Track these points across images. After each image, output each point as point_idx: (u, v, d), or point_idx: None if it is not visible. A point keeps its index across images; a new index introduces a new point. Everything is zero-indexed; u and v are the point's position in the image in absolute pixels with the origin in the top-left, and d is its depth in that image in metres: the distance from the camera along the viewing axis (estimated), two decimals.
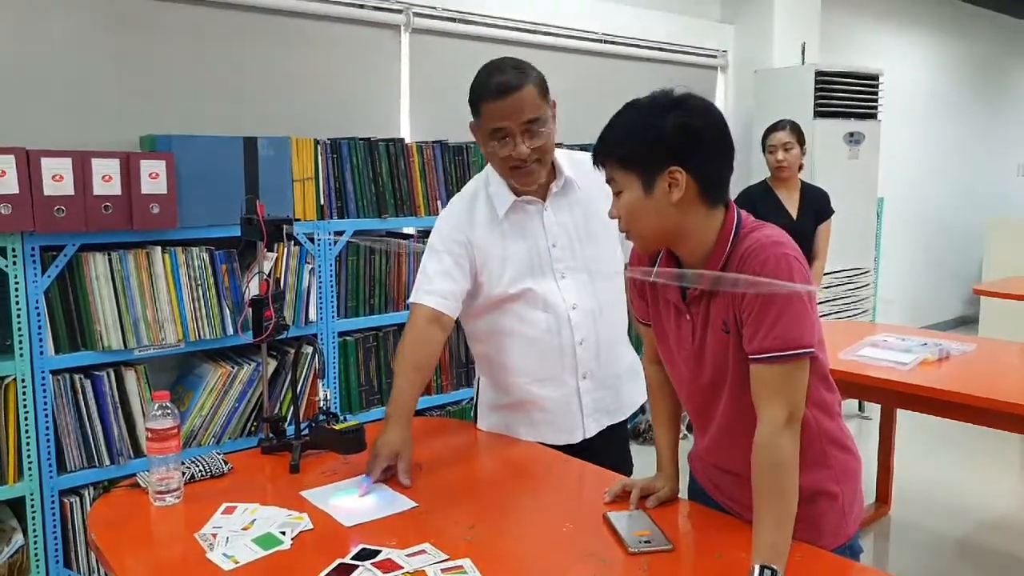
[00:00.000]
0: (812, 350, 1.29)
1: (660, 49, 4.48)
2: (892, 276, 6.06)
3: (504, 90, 1.67)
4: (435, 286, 1.77)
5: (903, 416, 3.40)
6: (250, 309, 1.73)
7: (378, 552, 1.33)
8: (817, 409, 1.38)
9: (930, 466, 3.94)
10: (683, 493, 1.59)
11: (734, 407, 1.38)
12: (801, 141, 3.65)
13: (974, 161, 7.36)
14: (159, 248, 2.55)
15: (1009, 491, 3.73)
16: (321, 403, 1.75)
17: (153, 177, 2.43)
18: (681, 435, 1.61)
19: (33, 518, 2.42)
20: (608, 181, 1.38)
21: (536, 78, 1.71)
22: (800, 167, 3.70)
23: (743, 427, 1.35)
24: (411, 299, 1.80)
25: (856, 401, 4.62)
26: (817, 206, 3.71)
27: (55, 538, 2.46)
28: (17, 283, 2.33)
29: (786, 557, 1.21)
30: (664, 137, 1.29)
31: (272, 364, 2.80)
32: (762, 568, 1.18)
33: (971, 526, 3.35)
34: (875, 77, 4.66)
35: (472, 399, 2.15)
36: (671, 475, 1.55)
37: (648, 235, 1.38)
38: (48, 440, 2.41)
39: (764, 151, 3.68)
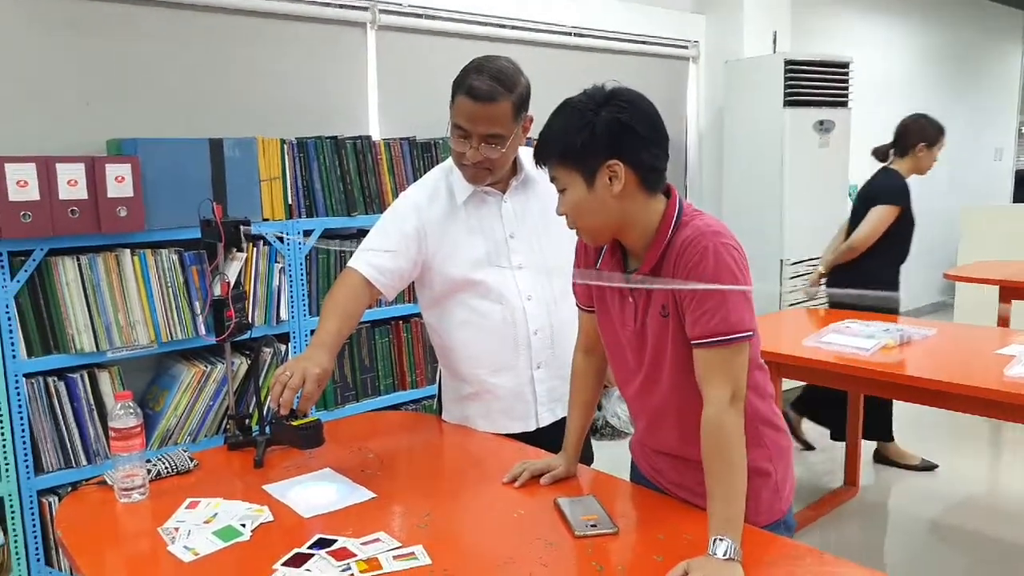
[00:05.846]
0: (751, 333, 1.34)
1: (632, 41, 4.52)
2: None
3: (477, 96, 1.69)
4: (376, 260, 1.79)
5: None
6: (211, 309, 1.77)
7: (334, 541, 1.37)
8: (751, 391, 1.43)
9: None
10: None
11: (671, 389, 1.43)
12: None
13: (950, 147, 7.40)
14: (128, 251, 2.58)
15: (977, 472, 3.80)
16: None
17: (119, 181, 2.46)
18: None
19: (12, 518, 2.45)
20: (552, 180, 1.42)
21: (517, 95, 1.72)
22: None
23: (679, 409, 1.41)
24: (350, 263, 1.81)
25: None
26: None
27: (35, 537, 2.50)
28: None
29: (740, 528, 1.26)
30: (599, 132, 1.33)
31: (245, 364, 2.84)
32: (716, 540, 1.23)
33: (939, 507, 3.42)
34: (845, 65, 4.72)
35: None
36: (571, 457, 1.65)
37: (595, 229, 1.42)
38: (24, 442, 2.45)
39: (932, 146, 3.64)
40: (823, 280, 3.77)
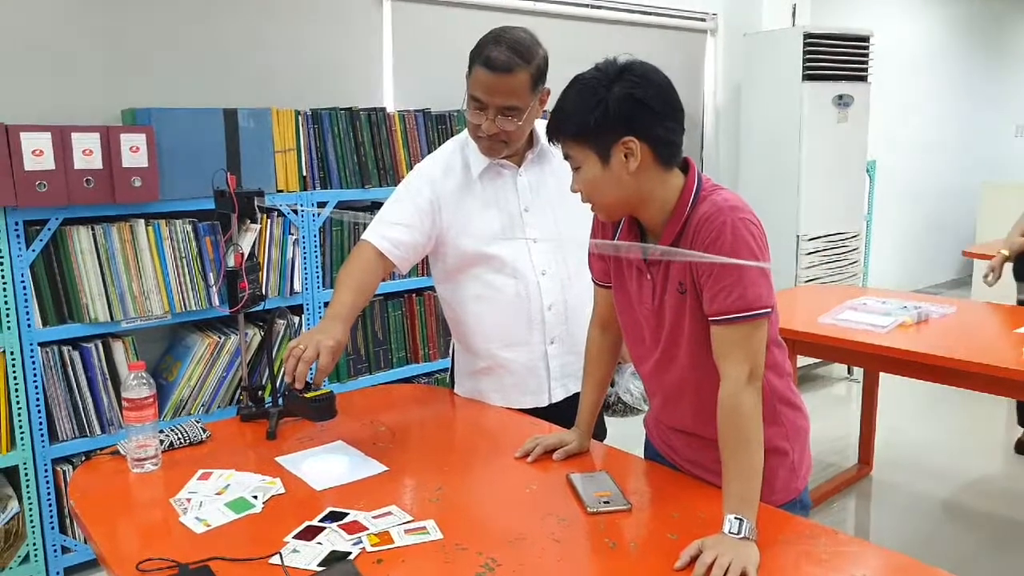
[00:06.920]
0: (770, 310, 1.32)
1: (649, 13, 4.45)
2: (884, 239, 6.06)
3: (494, 67, 1.66)
4: (390, 233, 1.77)
5: (890, 379, 3.43)
6: (224, 281, 1.76)
7: (346, 514, 1.37)
8: (769, 369, 1.41)
9: (914, 428, 3.99)
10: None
11: (688, 367, 1.42)
12: None
13: (970, 122, 7.30)
14: (142, 221, 2.58)
15: (992, 452, 3.77)
16: None
17: (134, 151, 2.45)
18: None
19: (27, 486, 2.48)
20: (566, 157, 1.40)
21: (535, 66, 1.69)
22: None
23: (696, 387, 1.39)
24: (364, 236, 1.78)
25: (845, 365, 4.65)
26: None
27: (49, 505, 2.53)
28: (1, 257, 2.36)
29: (755, 507, 1.25)
30: (612, 109, 1.30)
31: (258, 335, 2.84)
32: (731, 518, 1.22)
33: (953, 487, 3.40)
34: (865, 39, 4.62)
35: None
36: (584, 432, 1.64)
37: (611, 206, 1.40)
38: (39, 410, 2.47)
39: None
40: (1007, 265, 3.37)
